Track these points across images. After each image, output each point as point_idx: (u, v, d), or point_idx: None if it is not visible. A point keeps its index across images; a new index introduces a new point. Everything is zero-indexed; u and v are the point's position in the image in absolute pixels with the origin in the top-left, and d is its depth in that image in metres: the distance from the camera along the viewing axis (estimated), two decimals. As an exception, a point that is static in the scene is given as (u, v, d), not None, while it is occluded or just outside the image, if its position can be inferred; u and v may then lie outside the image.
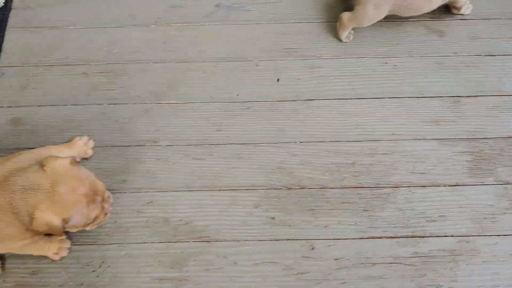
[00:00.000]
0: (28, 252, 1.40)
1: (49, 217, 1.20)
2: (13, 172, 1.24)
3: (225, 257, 1.46)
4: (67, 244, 1.46)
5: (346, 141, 1.61)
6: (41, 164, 1.24)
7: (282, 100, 1.68)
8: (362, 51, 1.76)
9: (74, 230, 1.34)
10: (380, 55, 1.75)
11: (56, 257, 1.44)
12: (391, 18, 1.77)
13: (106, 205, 1.33)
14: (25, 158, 1.32)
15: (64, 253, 1.45)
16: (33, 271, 1.45)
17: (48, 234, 1.41)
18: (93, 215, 1.28)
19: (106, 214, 1.35)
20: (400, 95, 1.68)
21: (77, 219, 1.24)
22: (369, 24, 1.69)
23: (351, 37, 1.76)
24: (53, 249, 1.43)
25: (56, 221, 1.20)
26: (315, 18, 1.82)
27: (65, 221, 1.22)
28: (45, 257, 1.45)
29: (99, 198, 1.28)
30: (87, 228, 1.35)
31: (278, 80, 1.71)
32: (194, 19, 1.84)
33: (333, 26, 1.80)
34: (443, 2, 1.73)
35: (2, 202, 1.22)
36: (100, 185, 1.30)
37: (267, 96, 1.69)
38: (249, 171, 1.57)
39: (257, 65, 1.74)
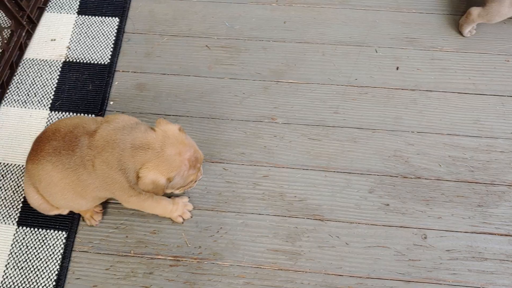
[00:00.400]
0: (152, 211, 1.48)
1: (155, 175, 1.24)
2: (121, 132, 1.28)
3: (338, 237, 1.51)
4: (190, 207, 1.53)
5: (463, 135, 1.62)
6: (152, 127, 1.30)
7: (401, 89, 1.69)
8: (483, 47, 1.74)
9: (168, 191, 1.38)
10: (502, 53, 1.73)
11: (180, 220, 1.51)
12: (515, 15, 1.75)
13: (199, 174, 1.39)
14: (127, 119, 1.35)
15: (188, 216, 1.52)
16: (154, 230, 1.53)
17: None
18: (190, 179, 1.33)
19: (195, 181, 1.40)
20: (521, 94, 1.67)
21: (178, 180, 1.29)
22: (499, 21, 1.67)
23: (473, 32, 1.75)
24: (179, 211, 1.50)
25: (162, 179, 1.25)
26: (436, 10, 1.81)
27: (169, 180, 1.26)
28: (166, 218, 1.53)
29: (198, 165, 1.34)
30: (176, 192, 1.40)
31: (397, 68, 1.72)
32: (315, 1, 1.86)
33: (454, 19, 1.79)
34: None
35: (111, 159, 1.27)
36: (200, 154, 1.35)
37: (385, 83, 1.70)
38: (365, 156, 1.60)
39: (376, 52, 1.76)
